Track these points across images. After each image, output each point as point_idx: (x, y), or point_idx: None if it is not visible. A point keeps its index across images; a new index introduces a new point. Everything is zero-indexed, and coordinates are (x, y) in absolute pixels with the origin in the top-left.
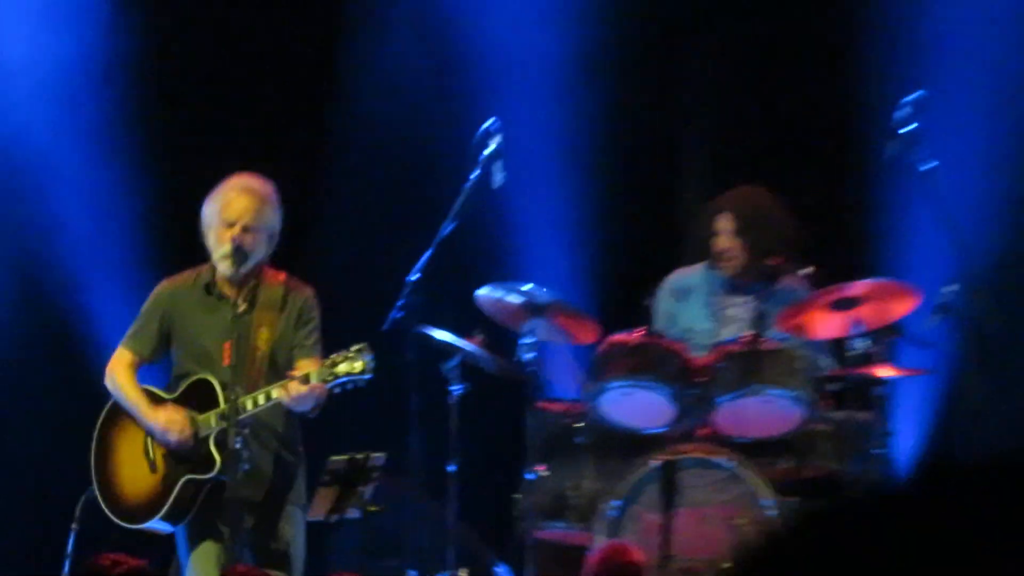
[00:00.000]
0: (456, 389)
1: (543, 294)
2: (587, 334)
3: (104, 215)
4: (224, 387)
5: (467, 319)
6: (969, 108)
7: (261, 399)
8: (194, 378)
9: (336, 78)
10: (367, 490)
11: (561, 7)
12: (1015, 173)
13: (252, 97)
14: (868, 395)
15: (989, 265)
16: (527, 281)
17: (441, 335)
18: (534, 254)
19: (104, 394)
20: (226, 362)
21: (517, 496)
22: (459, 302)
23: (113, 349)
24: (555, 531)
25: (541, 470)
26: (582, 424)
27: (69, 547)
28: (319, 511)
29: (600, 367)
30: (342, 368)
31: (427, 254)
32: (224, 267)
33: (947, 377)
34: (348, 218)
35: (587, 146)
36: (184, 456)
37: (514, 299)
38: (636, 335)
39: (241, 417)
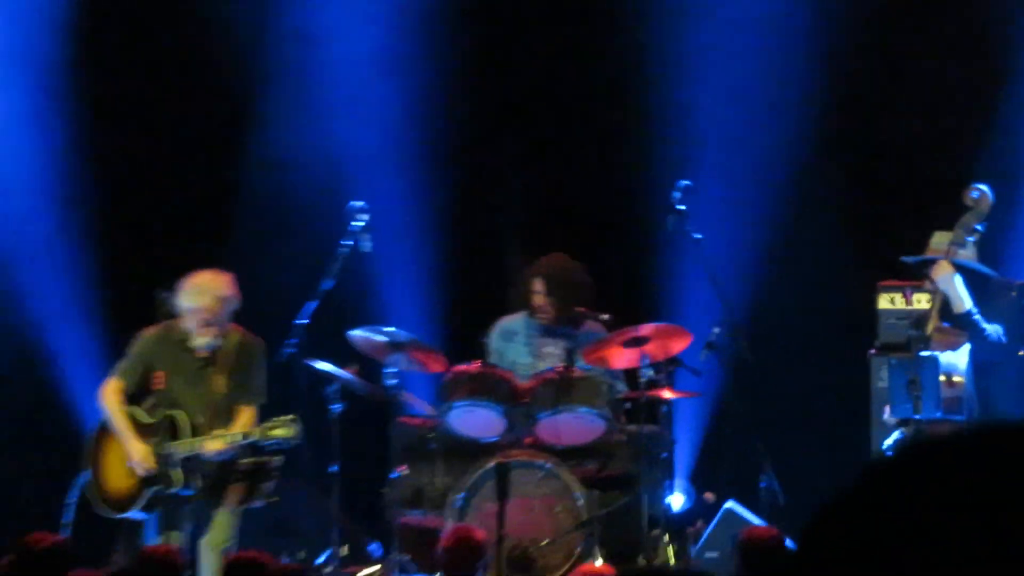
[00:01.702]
0: (336, 408)
1: (402, 334)
2: (436, 365)
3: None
4: (190, 427)
5: (343, 354)
6: (730, 189)
7: (195, 445)
8: (168, 412)
9: (241, 153)
10: (268, 486)
11: (409, 105)
12: (762, 243)
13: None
14: (655, 412)
15: (744, 312)
16: (390, 324)
17: (323, 366)
18: (395, 303)
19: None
20: (191, 403)
21: (385, 490)
22: (337, 340)
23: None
24: (414, 517)
25: (403, 470)
26: (434, 434)
27: (67, 519)
28: (231, 502)
29: (447, 390)
30: (278, 432)
31: (312, 304)
32: (198, 344)
33: (714, 398)
34: (248, 271)
35: (435, 220)
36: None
37: (380, 338)
38: (474, 366)
39: (183, 454)
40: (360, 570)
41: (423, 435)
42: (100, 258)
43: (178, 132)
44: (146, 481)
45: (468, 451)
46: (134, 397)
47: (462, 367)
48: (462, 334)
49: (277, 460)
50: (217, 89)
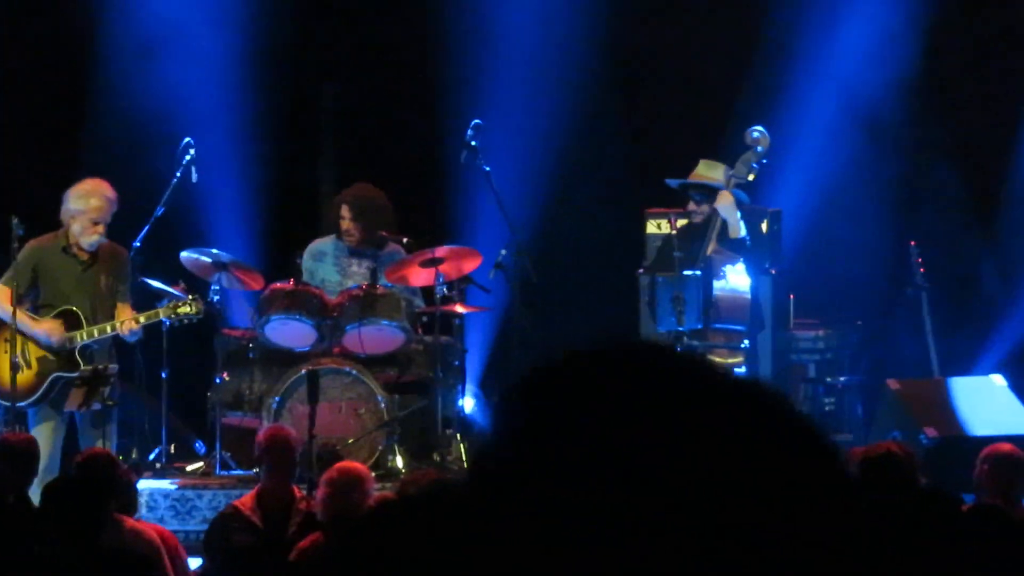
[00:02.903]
0: (167, 321)
1: (224, 255)
2: (256, 283)
3: None
4: (85, 317)
5: (174, 273)
6: (518, 126)
7: (108, 328)
8: (62, 307)
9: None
10: (106, 390)
11: (237, 50)
12: (545, 175)
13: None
14: (449, 325)
15: (528, 236)
16: (214, 247)
17: (156, 283)
18: (219, 228)
19: None
20: (80, 300)
21: (208, 394)
22: (168, 261)
23: None
24: (235, 418)
25: (225, 376)
26: (252, 344)
27: None
28: (73, 404)
29: (265, 305)
30: (184, 310)
31: (146, 228)
32: (86, 244)
33: (502, 312)
34: None
35: (255, 153)
36: (52, 360)
37: (206, 259)
38: (289, 284)
39: (97, 337)
40: (186, 465)
41: (243, 345)
42: None
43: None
44: (47, 367)
45: (283, 359)
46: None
47: (278, 285)
48: (278, 256)
49: (113, 367)
50: (59, 35)
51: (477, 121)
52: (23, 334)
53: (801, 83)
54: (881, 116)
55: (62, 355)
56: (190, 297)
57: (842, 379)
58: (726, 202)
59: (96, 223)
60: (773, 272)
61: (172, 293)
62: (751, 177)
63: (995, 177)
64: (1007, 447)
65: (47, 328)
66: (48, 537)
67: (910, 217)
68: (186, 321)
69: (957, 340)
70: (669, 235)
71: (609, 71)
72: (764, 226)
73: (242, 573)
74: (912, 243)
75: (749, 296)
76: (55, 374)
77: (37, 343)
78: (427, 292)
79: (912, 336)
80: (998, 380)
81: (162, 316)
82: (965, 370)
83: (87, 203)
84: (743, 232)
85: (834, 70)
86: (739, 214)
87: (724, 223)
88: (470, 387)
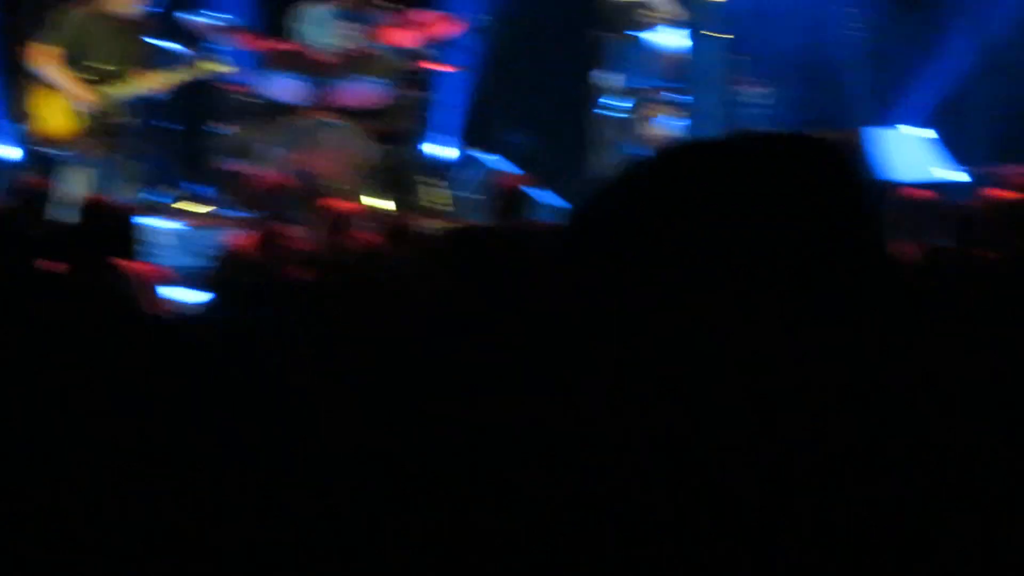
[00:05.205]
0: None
1: (220, 17)
2: (252, 43)
3: None
4: (122, 75)
5: (173, 34)
6: None
7: (144, 87)
8: (104, 66)
9: None
10: (131, 139)
11: None
12: None
13: None
14: (425, 81)
15: (507, 4)
16: (221, 11)
17: (160, 43)
18: None
19: None
20: (116, 62)
21: (212, 143)
22: (169, 23)
23: None
24: (236, 165)
25: (226, 127)
26: (256, 99)
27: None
28: (100, 152)
29: (265, 63)
30: (209, 67)
31: None
32: (124, 11)
33: (477, 72)
34: None
35: None
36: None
37: (203, 19)
38: (287, 44)
39: (131, 94)
40: (194, 208)
41: (246, 99)
42: None
43: None
44: (86, 121)
45: (283, 112)
46: None
47: (277, 43)
48: (277, 19)
49: (130, 119)
50: None
51: None
52: (60, 90)
53: None
54: None
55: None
56: (215, 55)
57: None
58: None
59: None
60: (722, 36)
61: (177, 51)
62: None
63: None
64: (917, 191)
65: (89, 99)
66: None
67: None
68: (212, 78)
69: (886, 95)
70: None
71: None
72: None
73: (247, 305)
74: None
75: (690, 55)
76: (95, 125)
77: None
78: (413, 53)
79: (850, 92)
80: (909, 130)
81: (194, 75)
82: (891, 123)
83: None
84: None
85: None
86: None
87: None
88: (451, 139)
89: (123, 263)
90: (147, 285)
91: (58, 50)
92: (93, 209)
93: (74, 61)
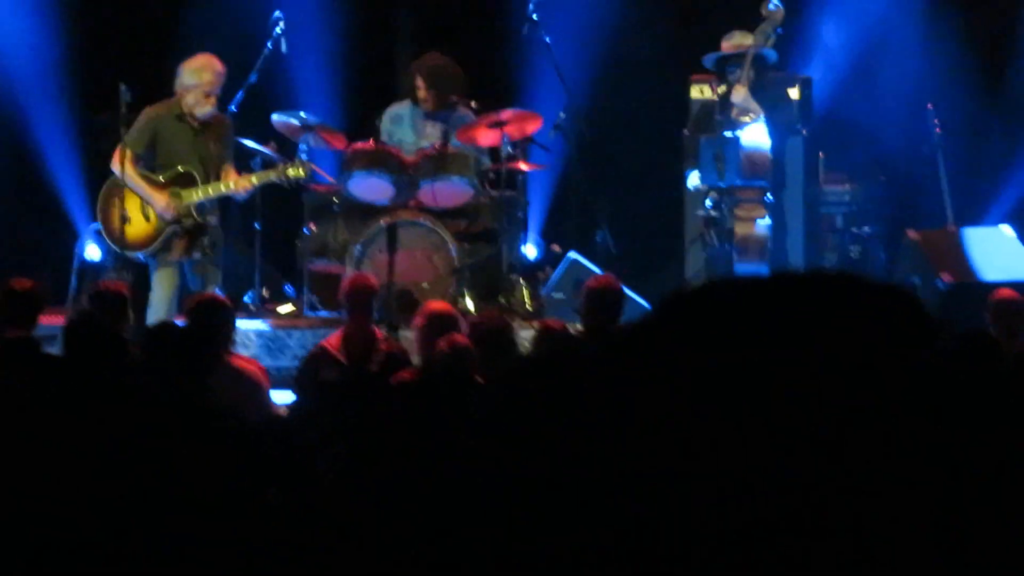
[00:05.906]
0: (277, 181)
1: (312, 118)
2: (339, 143)
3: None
4: (200, 177)
5: (265, 134)
6: (575, 3)
7: (223, 188)
8: (180, 168)
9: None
10: (205, 240)
11: None
12: (599, 44)
13: None
14: (513, 180)
15: (584, 100)
16: (303, 109)
17: (251, 144)
18: (306, 93)
19: None
20: (193, 163)
21: (297, 243)
22: (259, 124)
23: None
24: (321, 264)
25: (312, 227)
26: (337, 198)
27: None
28: (176, 254)
29: (348, 163)
30: (292, 172)
31: (240, 94)
32: (200, 113)
33: (560, 170)
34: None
35: (340, 27)
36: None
37: (294, 121)
38: (369, 143)
39: (212, 196)
40: (277, 307)
41: (329, 199)
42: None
43: None
44: (161, 227)
45: (363, 212)
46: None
47: (359, 144)
48: (359, 118)
49: (213, 219)
50: None
51: None
52: (136, 193)
53: None
54: None
55: (180, 213)
56: (299, 160)
57: (866, 229)
58: (739, 96)
59: (208, 95)
60: (804, 133)
61: (265, 153)
62: (769, 43)
63: (1004, 45)
64: (1009, 293)
65: (163, 202)
66: (149, 382)
67: (927, 83)
68: (295, 183)
69: (970, 193)
70: (711, 100)
71: None
72: (796, 92)
73: (330, 405)
74: (929, 106)
75: (770, 154)
76: (172, 227)
77: (151, 207)
78: (493, 152)
79: (930, 190)
80: (1007, 230)
81: (273, 178)
82: (977, 220)
83: (200, 77)
84: (761, 114)
85: None
86: (752, 100)
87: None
88: (532, 236)
89: (234, 359)
90: (257, 383)
91: (135, 152)
92: (200, 307)
93: (151, 162)
